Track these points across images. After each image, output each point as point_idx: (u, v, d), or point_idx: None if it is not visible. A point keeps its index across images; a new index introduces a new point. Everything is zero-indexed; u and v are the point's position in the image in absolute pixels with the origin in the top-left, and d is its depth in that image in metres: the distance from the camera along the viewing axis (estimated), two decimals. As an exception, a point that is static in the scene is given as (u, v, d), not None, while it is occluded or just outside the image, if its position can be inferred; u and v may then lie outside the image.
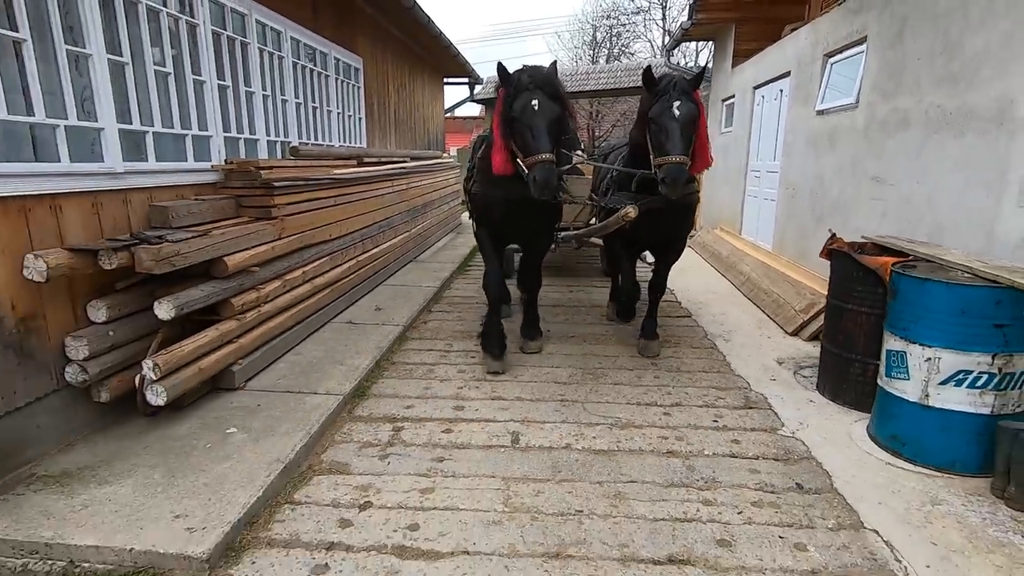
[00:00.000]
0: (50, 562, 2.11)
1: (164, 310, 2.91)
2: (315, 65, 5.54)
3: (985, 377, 2.54)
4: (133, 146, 3.18)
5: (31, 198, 2.54)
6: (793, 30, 6.56)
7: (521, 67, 3.36)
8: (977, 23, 3.24)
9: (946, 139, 3.47)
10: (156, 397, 2.83)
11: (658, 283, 4.26)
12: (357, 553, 2.19)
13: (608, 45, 27.10)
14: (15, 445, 2.49)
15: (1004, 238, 2.99)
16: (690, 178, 3.55)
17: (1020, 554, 2.14)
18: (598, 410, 3.39)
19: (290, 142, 4.98)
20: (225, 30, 4.03)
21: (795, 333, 4.69)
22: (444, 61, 10.43)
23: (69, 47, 2.74)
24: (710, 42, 10.06)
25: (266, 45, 4.59)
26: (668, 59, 10.38)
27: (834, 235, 3.53)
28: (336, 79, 6.04)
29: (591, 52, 28.23)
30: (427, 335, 4.81)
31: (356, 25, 6.51)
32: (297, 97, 5.17)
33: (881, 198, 4.18)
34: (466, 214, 6.16)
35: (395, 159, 7.38)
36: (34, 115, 2.59)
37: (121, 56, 3.07)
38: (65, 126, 2.72)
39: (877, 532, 2.30)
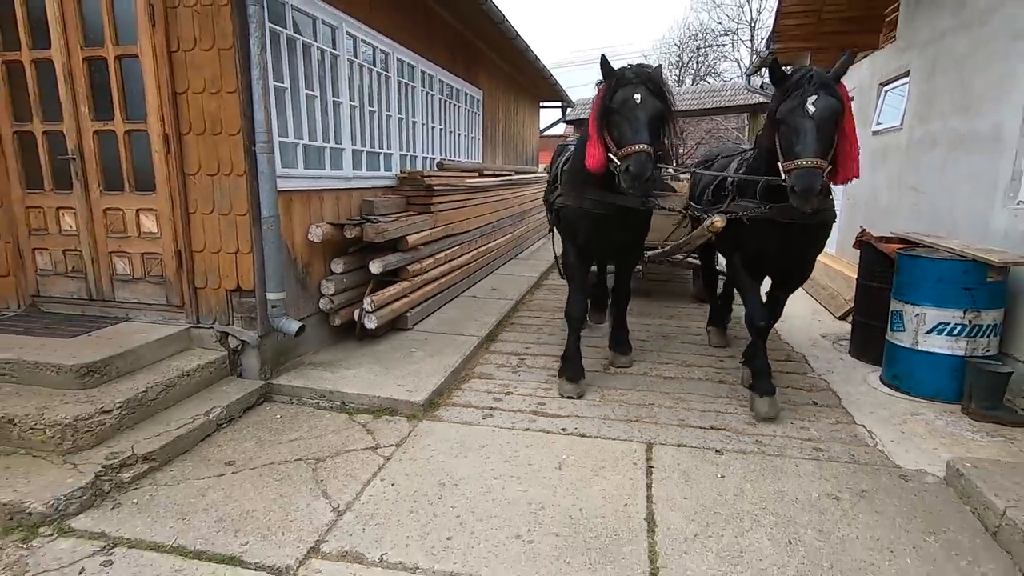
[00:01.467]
0: (331, 401, 3.60)
1: (376, 267, 4.44)
2: (452, 99, 7.12)
3: (959, 327, 3.47)
4: (355, 160, 4.77)
5: (311, 192, 4.13)
6: (863, 58, 7.35)
7: (627, 64, 3.23)
8: (983, 66, 4.13)
9: (960, 156, 4.35)
10: (370, 323, 4.35)
11: (773, 312, 3.69)
12: (507, 411, 3.51)
13: (694, 66, 27.75)
14: (297, 343, 4.04)
15: (994, 231, 3.85)
16: (826, 190, 3.07)
17: (963, 439, 3.09)
18: (668, 356, 4.55)
19: (436, 158, 6.54)
20: (403, 78, 5.63)
21: (842, 317, 5.57)
22: (541, 88, 11.89)
23: (332, 98, 4.37)
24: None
25: (424, 86, 6.19)
26: (748, 82, 11.24)
27: (864, 229, 4.48)
28: (464, 108, 7.61)
29: (677, 73, 28.98)
30: (534, 308, 6.14)
31: (479, 64, 8.08)
32: (440, 124, 6.74)
33: (917, 204, 5.03)
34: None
35: (503, 172, 8.86)
36: (316, 141, 4.20)
37: (353, 101, 4.69)
38: (329, 147, 4.34)
39: (864, 426, 3.31)
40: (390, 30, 5.17)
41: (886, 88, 6.03)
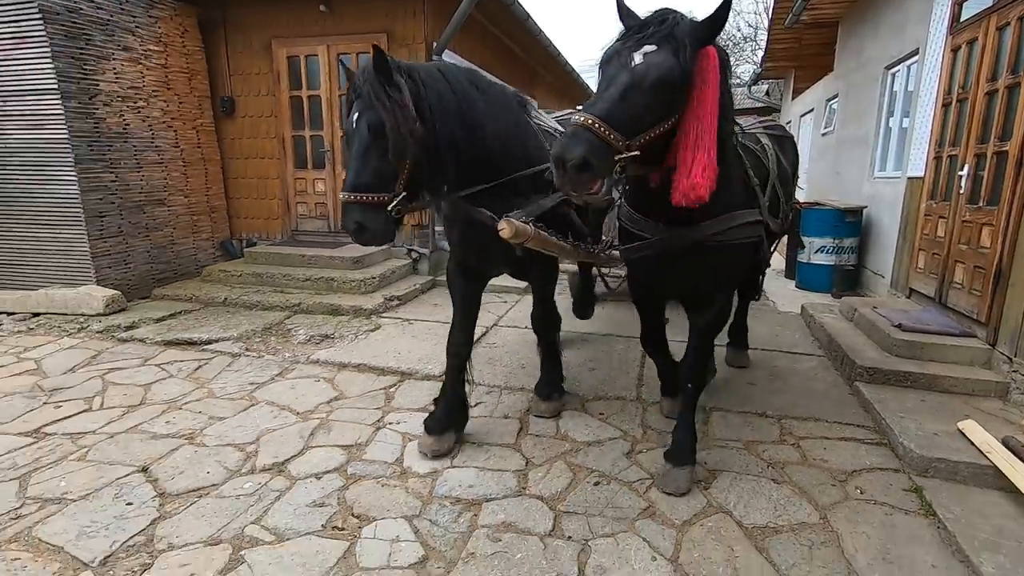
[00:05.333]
0: (471, 289, 6.37)
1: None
2: (518, 109, 9.87)
3: (831, 247, 6.06)
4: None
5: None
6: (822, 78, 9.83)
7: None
8: (864, 94, 6.67)
9: (855, 150, 6.90)
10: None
11: (688, 364, 2.70)
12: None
13: (716, 68, 29.95)
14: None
15: (865, 194, 6.41)
16: (710, 209, 2.13)
17: (820, 303, 5.69)
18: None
19: (509, 152, 9.31)
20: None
21: (791, 261, 8.13)
22: (575, 93, 14.56)
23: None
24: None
25: (503, 102, 8.95)
26: (750, 91, 13.69)
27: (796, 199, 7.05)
28: (526, 116, 10.38)
29: (700, 74, 31.12)
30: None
31: (538, 83, 10.77)
32: (512, 128, 9.52)
33: (837, 182, 7.59)
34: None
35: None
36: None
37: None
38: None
39: (773, 301, 5.94)
40: (488, 67, 7.92)
41: (830, 102, 8.55)
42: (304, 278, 5.71)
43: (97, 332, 4.75)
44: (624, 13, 2.08)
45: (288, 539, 2.28)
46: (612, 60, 1.95)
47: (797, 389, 3.67)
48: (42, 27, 4.83)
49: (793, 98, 11.66)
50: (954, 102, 4.24)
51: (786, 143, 3.48)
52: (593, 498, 2.55)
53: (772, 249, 3.38)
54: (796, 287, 6.49)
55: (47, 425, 3.18)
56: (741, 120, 2.99)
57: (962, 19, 4.24)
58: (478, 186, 2.51)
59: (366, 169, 2.22)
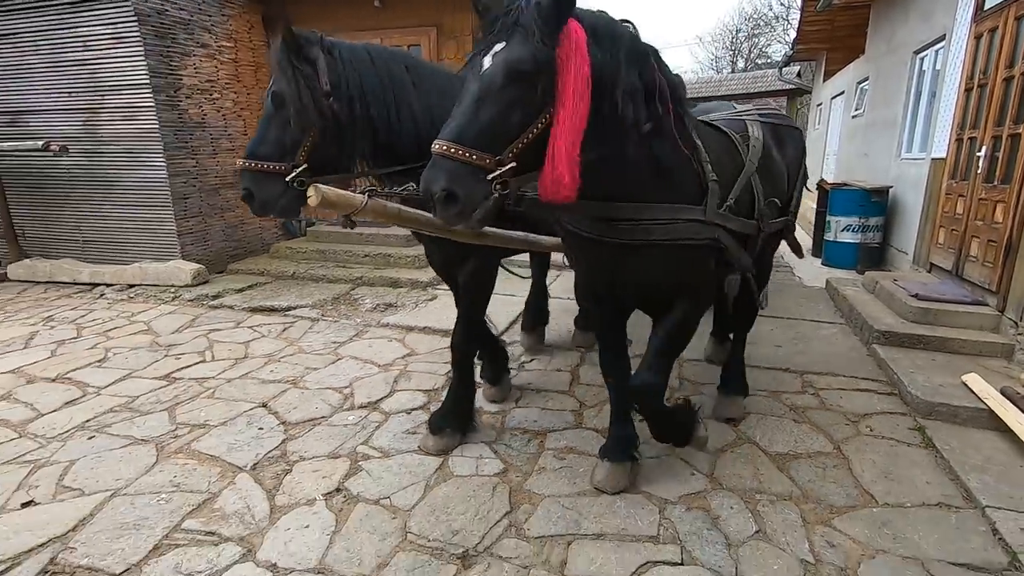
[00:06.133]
0: (513, 265, 6.87)
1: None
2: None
3: (857, 226, 6.36)
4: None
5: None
6: (852, 61, 9.93)
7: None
8: (893, 78, 6.88)
9: (883, 132, 7.12)
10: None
11: (661, 333, 2.29)
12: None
13: (747, 49, 29.63)
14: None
15: (891, 175, 6.67)
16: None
17: (843, 277, 6.01)
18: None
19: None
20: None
21: (819, 241, 8.40)
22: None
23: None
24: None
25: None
26: (781, 73, 13.76)
27: (823, 179, 7.33)
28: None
29: (731, 55, 30.87)
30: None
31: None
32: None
33: (865, 163, 7.81)
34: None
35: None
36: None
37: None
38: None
39: (800, 276, 6.29)
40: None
41: (860, 85, 8.71)
42: (363, 254, 6.27)
43: (189, 300, 5.38)
44: (479, 7, 1.75)
45: (393, 456, 2.82)
46: (466, 71, 1.72)
47: (819, 350, 4.08)
48: (137, 28, 5.41)
49: (824, 80, 11.74)
50: (975, 87, 4.52)
51: (786, 134, 2.90)
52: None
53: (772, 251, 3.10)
54: (822, 264, 6.81)
55: (174, 372, 3.80)
56: (761, 103, 3.07)
57: (985, 8, 4.50)
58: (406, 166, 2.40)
59: (266, 138, 2.23)
